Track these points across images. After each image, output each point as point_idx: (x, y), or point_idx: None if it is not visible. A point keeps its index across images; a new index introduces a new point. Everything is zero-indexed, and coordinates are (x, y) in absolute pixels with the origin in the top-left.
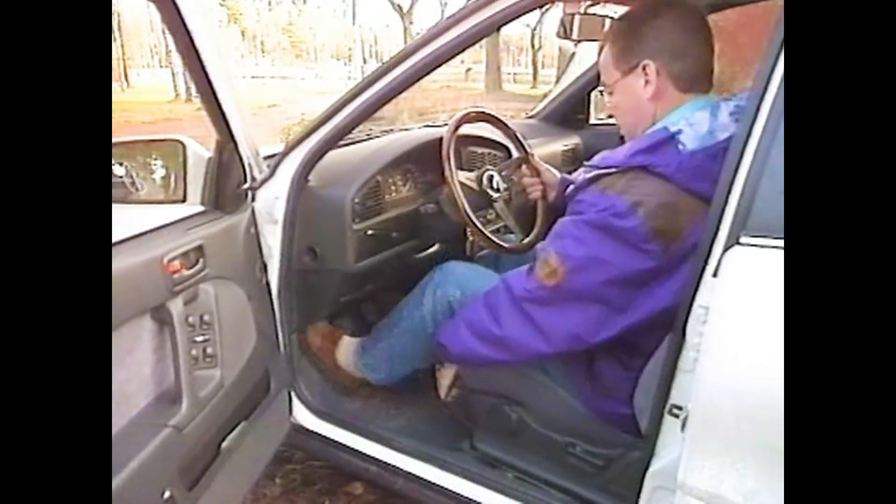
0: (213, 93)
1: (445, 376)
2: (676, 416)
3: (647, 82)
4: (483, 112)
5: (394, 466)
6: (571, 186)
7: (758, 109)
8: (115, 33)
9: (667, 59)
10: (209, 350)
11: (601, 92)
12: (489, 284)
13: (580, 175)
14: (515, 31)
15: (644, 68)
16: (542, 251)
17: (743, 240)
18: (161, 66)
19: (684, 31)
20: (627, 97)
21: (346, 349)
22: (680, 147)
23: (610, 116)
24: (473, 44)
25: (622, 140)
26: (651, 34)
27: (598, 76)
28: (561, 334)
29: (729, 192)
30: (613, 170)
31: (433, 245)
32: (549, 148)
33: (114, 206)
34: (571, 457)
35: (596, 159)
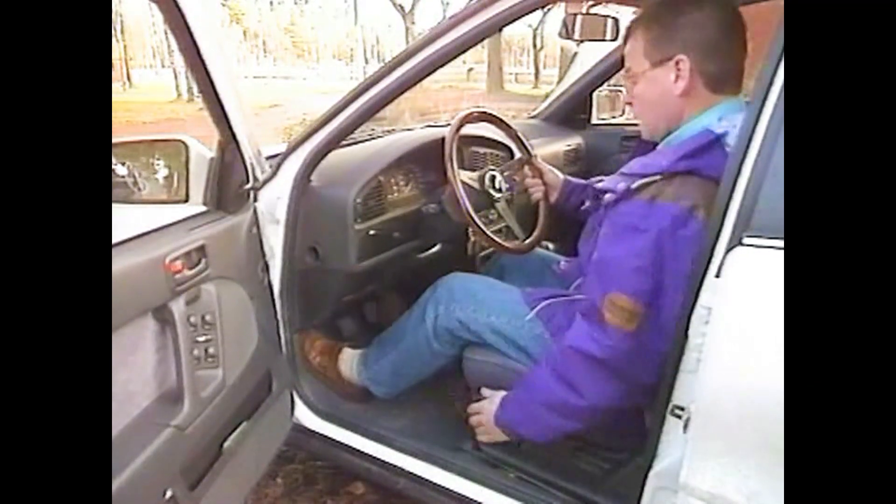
0: (216, 93)
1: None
2: (679, 416)
3: (678, 77)
4: (485, 112)
5: (395, 467)
6: (609, 195)
7: (761, 109)
8: (118, 33)
9: (701, 55)
10: (211, 350)
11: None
12: (493, 296)
13: (616, 183)
14: (517, 31)
15: (677, 63)
16: (603, 295)
17: (746, 240)
18: (163, 66)
19: (723, 27)
20: (654, 90)
21: (349, 361)
22: (727, 149)
23: (628, 104)
24: (475, 44)
25: (624, 140)
26: (689, 26)
27: (601, 76)
28: (650, 368)
29: (732, 192)
30: (658, 177)
31: (435, 245)
32: (551, 148)
33: (116, 206)
34: (579, 460)
35: (635, 167)
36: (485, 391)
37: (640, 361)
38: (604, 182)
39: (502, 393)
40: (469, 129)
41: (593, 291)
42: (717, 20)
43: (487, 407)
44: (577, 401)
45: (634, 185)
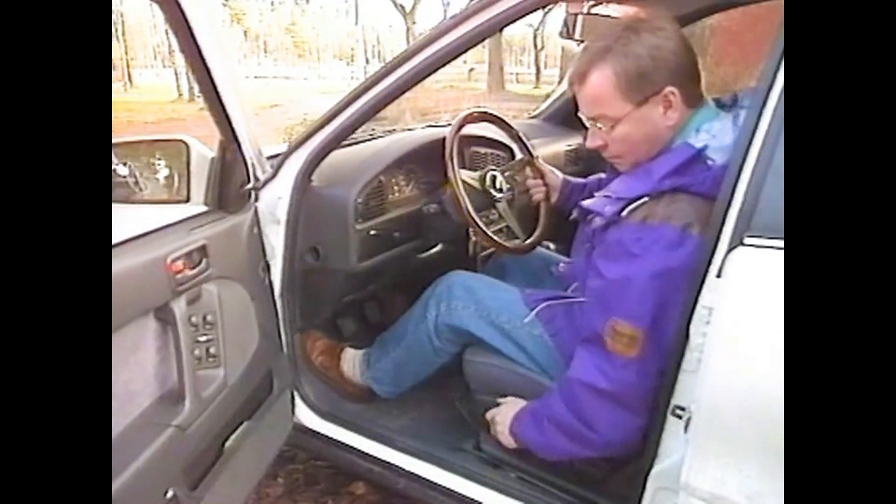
0: (217, 93)
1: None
2: (679, 416)
3: (667, 109)
4: (486, 112)
5: (396, 466)
6: (599, 218)
7: (762, 110)
8: (119, 33)
9: (685, 81)
10: (212, 350)
11: (595, 124)
12: (492, 295)
13: (602, 206)
14: (518, 31)
15: (666, 96)
16: (604, 322)
17: (747, 240)
18: (164, 66)
19: (688, 47)
20: (642, 128)
21: (351, 361)
22: (709, 162)
23: (598, 148)
24: (476, 44)
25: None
26: (669, 57)
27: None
28: (651, 396)
29: (733, 192)
30: (645, 199)
31: (436, 245)
32: (551, 148)
33: (117, 205)
34: (579, 460)
35: (619, 189)
36: (501, 400)
37: (647, 386)
38: (590, 202)
39: (522, 402)
40: (470, 129)
41: (594, 319)
42: (683, 43)
43: (505, 411)
44: (592, 435)
45: (625, 211)
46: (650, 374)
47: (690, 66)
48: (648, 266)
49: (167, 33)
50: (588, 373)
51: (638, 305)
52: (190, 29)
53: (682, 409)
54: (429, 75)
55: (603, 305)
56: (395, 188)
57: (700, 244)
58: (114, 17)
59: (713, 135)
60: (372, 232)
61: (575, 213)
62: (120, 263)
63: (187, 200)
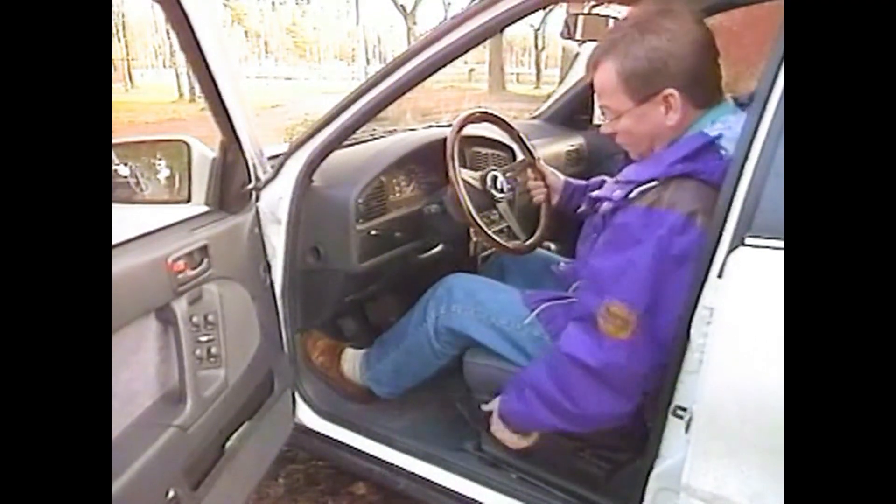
0: (218, 93)
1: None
2: (680, 417)
3: (668, 110)
4: (487, 113)
5: (397, 467)
6: (607, 203)
7: (763, 110)
8: (120, 33)
9: (688, 83)
10: (213, 350)
11: (602, 112)
12: (493, 297)
13: (612, 191)
14: (519, 32)
15: (666, 98)
16: (599, 303)
17: (748, 241)
18: (165, 67)
19: (699, 51)
20: (644, 125)
21: (351, 361)
22: (722, 152)
23: (610, 134)
24: (477, 45)
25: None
26: (670, 61)
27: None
28: (645, 378)
29: (734, 192)
30: (654, 183)
31: (437, 245)
32: (553, 148)
33: (119, 206)
34: (580, 461)
35: (629, 174)
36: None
37: (635, 371)
38: (600, 191)
39: None
40: (471, 130)
41: (589, 299)
42: (692, 46)
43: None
44: (571, 407)
45: (633, 194)
46: (640, 360)
47: (698, 68)
48: (650, 251)
49: (168, 33)
50: (576, 348)
51: (635, 289)
52: (191, 29)
53: (684, 409)
54: (430, 76)
55: (600, 286)
56: (396, 188)
57: (703, 234)
58: (115, 17)
59: (728, 126)
60: (373, 232)
61: (584, 206)
62: (121, 264)
63: (188, 201)
